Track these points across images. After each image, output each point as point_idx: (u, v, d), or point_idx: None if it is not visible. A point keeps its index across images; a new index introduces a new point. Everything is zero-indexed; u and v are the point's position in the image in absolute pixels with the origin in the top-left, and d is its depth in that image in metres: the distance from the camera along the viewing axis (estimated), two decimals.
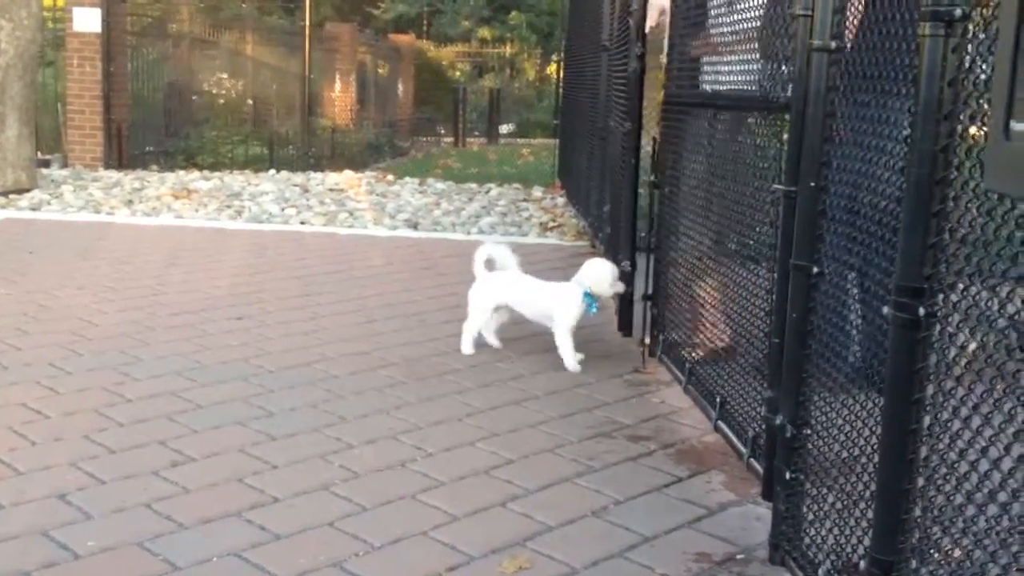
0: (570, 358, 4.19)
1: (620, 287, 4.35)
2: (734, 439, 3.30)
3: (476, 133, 20.73)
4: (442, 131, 20.96)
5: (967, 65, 1.73)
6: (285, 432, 3.38)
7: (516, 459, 3.22)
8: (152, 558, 2.50)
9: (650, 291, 4.44)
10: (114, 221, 8.01)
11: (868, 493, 2.08)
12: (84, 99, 11.62)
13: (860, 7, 3.16)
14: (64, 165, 11.63)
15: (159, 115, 13.23)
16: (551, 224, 8.22)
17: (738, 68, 3.62)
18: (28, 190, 9.22)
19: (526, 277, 4.43)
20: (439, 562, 2.53)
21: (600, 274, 4.24)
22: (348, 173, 11.41)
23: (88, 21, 11.44)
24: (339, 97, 17.17)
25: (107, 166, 11.56)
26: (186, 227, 7.80)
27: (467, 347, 4.36)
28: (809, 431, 2.48)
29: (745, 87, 3.53)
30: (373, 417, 3.56)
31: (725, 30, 3.84)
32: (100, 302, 5.13)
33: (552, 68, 22.23)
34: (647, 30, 4.82)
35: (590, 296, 4.21)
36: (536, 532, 2.71)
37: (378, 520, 2.75)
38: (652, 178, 4.25)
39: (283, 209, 8.64)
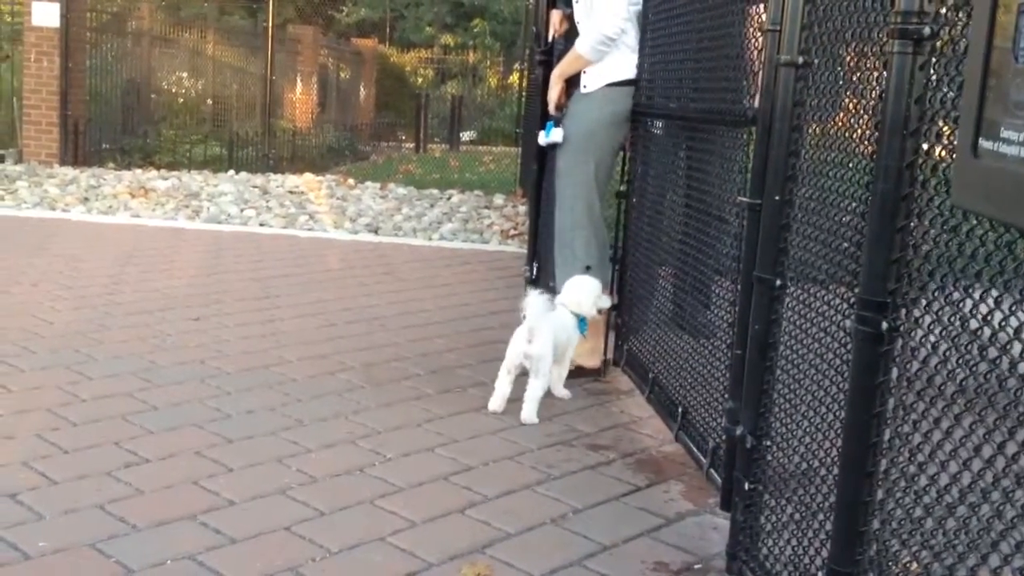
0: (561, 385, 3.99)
1: (605, 303, 4.07)
2: (694, 449, 3.31)
3: (437, 139, 20.70)
4: (403, 136, 20.92)
5: (934, 83, 1.76)
6: (242, 435, 3.34)
7: (476, 466, 3.21)
8: (105, 560, 2.46)
9: (615, 301, 4.44)
10: (69, 218, 7.90)
11: (827, 505, 2.10)
12: (41, 94, 11.47)
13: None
14: (19, 161, 11.46)
15: (117, 112, 13.09)
16: (512, 232, 8.22)
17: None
18: None
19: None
20: (397, 568, 2.51)
21: (582, 294, 3.97)
22: (308, 176, 11.34)
23: (47, 16, 11.29)
24: (300, 99, 17.10)
25: (63, 162, 11.40)
26: (143, 226, 7.71)
27: (535, 415, 3.69)
28: (769, 442, 2.49)
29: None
30: (331, 421, 3.54)
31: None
32: (54, 300, 5.05)
33: (515, 76, 22.26)
34: (550, 38, 4.82)
35: (583, 320, 3.98)
36: (495, 539, 2.70)
37: (336, 525, 2.73)
38: (620, 187, 4.25)
39: (242, 210, 8.57)
